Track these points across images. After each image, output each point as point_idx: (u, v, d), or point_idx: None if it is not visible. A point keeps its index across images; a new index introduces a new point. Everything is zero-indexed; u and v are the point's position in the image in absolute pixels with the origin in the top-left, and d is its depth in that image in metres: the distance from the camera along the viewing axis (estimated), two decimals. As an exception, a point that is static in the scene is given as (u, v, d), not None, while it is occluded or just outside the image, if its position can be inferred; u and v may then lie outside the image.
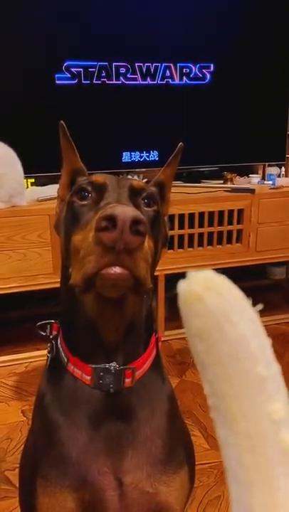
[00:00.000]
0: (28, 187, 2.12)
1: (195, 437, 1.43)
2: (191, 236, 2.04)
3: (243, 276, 2.33)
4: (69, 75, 2.02)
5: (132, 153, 2.19)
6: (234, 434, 0.24)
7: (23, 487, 0.72)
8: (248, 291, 0.26)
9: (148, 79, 2.14)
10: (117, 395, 0.64)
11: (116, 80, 2.09)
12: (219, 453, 0.26)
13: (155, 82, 2.15)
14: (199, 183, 2.38)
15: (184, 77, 2.19)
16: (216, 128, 2.31)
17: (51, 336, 0.72)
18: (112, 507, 0.63)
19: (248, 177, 2.50)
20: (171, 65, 2.15)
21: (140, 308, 0.65)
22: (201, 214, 2.03)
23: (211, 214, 2.05)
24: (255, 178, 2.47)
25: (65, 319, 0.70)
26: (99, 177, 0.65)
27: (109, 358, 0.64)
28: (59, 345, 0.69)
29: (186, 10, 2.14)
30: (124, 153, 2.18)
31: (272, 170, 2.50)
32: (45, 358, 0.73)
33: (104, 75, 2.06)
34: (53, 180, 1.99)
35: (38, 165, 2.00)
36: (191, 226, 2.03)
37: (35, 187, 2.17)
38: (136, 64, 2.10)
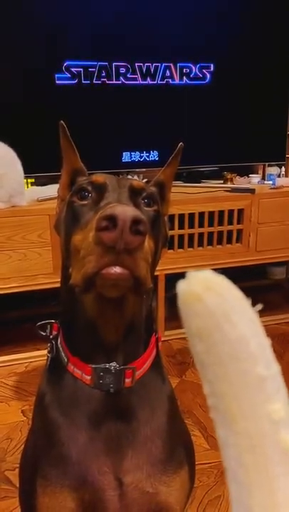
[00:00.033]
0: (28, 187, 2.12)
1: (195, 437, 1.43)
2: (191, 236, 2.04)
3: (243, 276, 2.33)
4: (69, 75, 2.02)
5: (132, 153, 2.19)
6: (234, 434, 0.24)
7: (23, 487, 0.72)
8: (248, 291, 0.26)
9: (148, 79, 2.14)
10: (117, 395, 0.64)
11: (116, 80, 2.09)
12: (219, 453, 0.26)
13: (155, 82, 2.15)
14: (199, 183, 2.38)
15: (184, 77, 2.19)
16: (216, 128, 2.31)
17: (51, 336, 0.72)
18: (112, 507, 0.63)
19: (248, 177, 2.50)
20: (171, 65, 2.15)
21: (140, 308, 0.65)
22: (201, 214, 2.03)
23: (211, 214, 2.05)
24: (255, 178, 2.47)
25: (65, 319, 0.70)
26: (99, 177, 0.65)
27: (109, 358, 0.64)
28: (59, 345, 0.69)
29: (186, 10, 2.14)
30: (124, 153, 2.18)
31: (273, 170, 2.50)
32: (45, 357, 0.73)
33: (104, 75, 2.06)
34: (53, 180, 1.99)
35: (38, 165, 2.00)
36: (191, 226, 2.03)
37: (35, 187, 2.17)
38: (136, 64, 2.10)
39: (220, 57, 2.22)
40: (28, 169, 1.88)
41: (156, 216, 0.67)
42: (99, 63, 2.04)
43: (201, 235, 2.06)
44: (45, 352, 0.73)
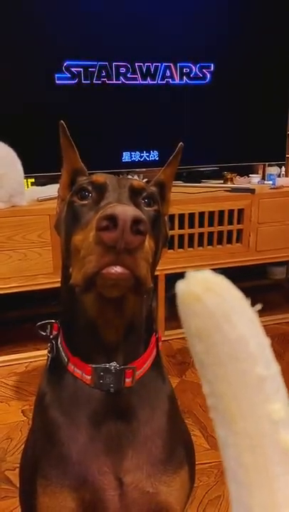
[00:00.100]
0: (28, 187, 2.12)
1: (195, 437, 1.43)
2: (191, 236, 2.04)
3: (243, 276, 2.33)
4: (69, 75, 2.02)
5: (132, 153, 2.19)
6: (233, 434, 0.24)
7: (23, 487, 0.72)
8: (248, 291, 0.26)
9: (148, 79, 2.14)
10: (118, 395, 0.64)
11: (116, 80, 2.09)
12: (219, 453, 0.26)
13: (155, 82, 2.15)
14: (199, 182, 2.38)
15: (184, 77, 2.19)
16: (216, 128, 2.31)
17: (51, 336, 0.72)
18: (113, 507, 0.63)
19: (248, 177, 2.50)
20: (172, 64, 2.15)
21: (140, 308, 0.65)
22: (201, 214, 2.03)
23: (211, 214, 2.05)
24: (255, 178, 2.47)
25: (66, 319, 0.70)
26: (99, 177, 0.65)
27: (109, 358, 0.64)
28: (59, 345, 0.69)
29: (186, 10, 2.14)
30: (124, 153, 2.18)
31: (273, 170, 2.50)
32: (46, 357, 0.73)
33: (104, 74, 2.06)
34: (53, 180, 1.99)
35: (38, 165, 2.00)
36: (191, 226, 2.03)
37: (35, 187, 2.17)
38: (136, 64, 2.10)
39: (220, 57, 2.22)
40: (28, 169, 1.88)
41: (157, 216, 0.67)
42: (99, 63, 2.04)
43: (201, 234, 2.06)
44: (45, 352, 0.73)
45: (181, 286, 0.25)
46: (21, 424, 1.56)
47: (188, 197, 2.04)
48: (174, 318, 2.03)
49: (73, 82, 2.03)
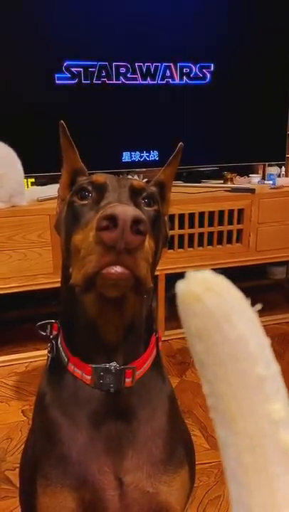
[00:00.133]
0: (28, 187, 2.12)
1: (195, 437, 1.43)
2: (191, 236, 2.04)
3: (243, 276, 2.33)
4: (69, 75, 2.02)
5: (132, 153, 2.19)
6: (233, 434, 0.24)
7: (23, 487, 0.72)
8: (248, 291, 0.26)
9: (148, 79, 2.14)
10: (118, 395, 0.64)
11: (116, 80, 2.09)
12: (219, 453, 0.26)
13: (155, 82, 2.15)
14: (199, 182, 2.38)
15: (184, 77, 2.19)
16: (216, 128, 2.31)
17: (51, 336, 0.72)
18: (113, 507, 0.63)
19: (248, 177, 2.50)
20: (172, 64, 2.15)
21: (140, 308, 0.65)
22: (201, 214, 2.03)
23: (211, 214, 2.05)
24: (255, 178, 2.47)
25: (66, 319, 0.70)
26: (99, 177, 0.65)
27: (109, 358, 0.64)
28: (59, 345, 0.69)
29: (186, 10, 2.14)
30: (124, 153, 2.18)
31: (273, 170, 2.50)
32: (46, 357, 0.73)
33: (104, 74, 2.06)
34: (53, 180, 1.99)
35: (38, 165, 2.00)
36: (191, 226, 2.03)
37: (35, 187, 2.17)
38: (136, 64, 2.10)
39: (220, 57, 2.22)
40: (28, 169, 1.88)
41: (157, 216, 0.67)
42: (99, 63, 2.04)
43: (201, 234, 2.06)
44: (45, 352, 0.73)
45: (181, 286, 0.25)
46: (21, 424, 1.56)
47: (188, 197, 2.04)
48: (174, 318, 2.03)
49: (73, 82, 2.03)
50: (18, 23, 1.92)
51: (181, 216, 2.00)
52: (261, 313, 0.26)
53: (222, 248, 2.11)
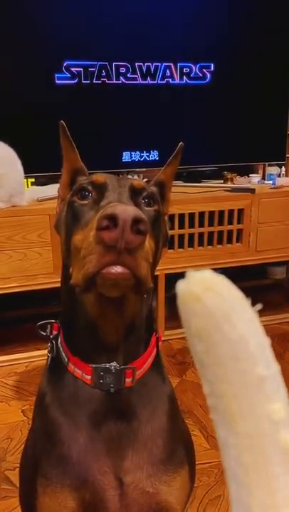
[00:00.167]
0: (28, 187, 2.12)
1: (195, 437, 1.43)
2: (191, 236, 2.04)
3: (243, 276, 2.33)
4: (69, 75, 2.02)
5: (132, 152, 2.19)
6: (233, 434, 0.24)
7: (23, 487, 0.72)
8: (248, 291, 0.26)
9: (148, 79, 2.14)
10: (118, 395, 0.64)
11: (116, 80, 2.09)
12: (219, 452, 0.26)
13: (155, 81, 2.15)
14: (199, 182, 2.38)
15: (184, 77, 2.19)
16: (216, 128, 2.31)
17: (51, 336, 0.72)
18: (113, 507, 0.63)
19: (248, 177, 2.50)
20: (172, 64, 2.15)
21: (141, 308, 0.65)
22: (201, 214, 2.03)
23: (211, 214, 2.05)
24: (255, 178, 2.47)
25: (66, 319, 0.70)
26: (99, 176, 0.65)
27: (109, 358, 0.64)
28: (59, 345, 0.69)
29: (186, 10, 2.14)
30: (124, 153, 2.18)
31: (273, 169, 2.50)
32: (46, 357, 0.73)
33: (104, 74, 2.06)
34: (53, 180, 1.99)
35: (38, 165, 2.00)
36: (192, 226, 2.03)
37: (35, 187, 2.17)
38: (136, 64, 2.10)
39: (220, 57, 2.22)
40: (28, 169, 1.88)
41: (157, 216, 0.67)
42: (99, 63, 2.04)
43: (201, 234, 2.06)
44: (45, 352, 0.73)
45: (181, 286, 0.25)
46: (21, 424, 1.56)
47: (188, 197, 2.04)
48: (174, 318, 2.03)
49: (73, 82, 2.03)
50: (18, 23, 1.92)
51: (181, 216, 2.00)
52: (261, 313, 0.26)
53: (222, 248, 2.11)
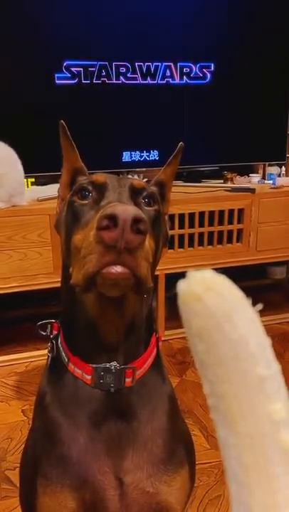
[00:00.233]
0: (28, 186, 2.12)
1: (195, 437, 1.43)
2: (191, 236, 2.04)
3: (243, 276, 2.33)
4: (69, 75, 2.02)
5: (132, 152, 2.19)
6: (234, 434, 0.24)
7: (23, 486, 0.72)
8: (248, 291, 0.26)
9: (148, 78, 2.14)
10: (118, 395, 0.64)
11: (116, 80, 2.09)
12: (219, 452, 0.26)
13: (155, 81, 2.15)
14: (199, 182, 2.38)
15: (185, 77, 2.19)
16: (216, 128, 2.31)
17: (51, 336, 0.72)
18: (113, 507, 0.63)
19: (249, 176, 2.50)
20: (172, 64, 2.15)
21: (141, 308, 0.65)
22: (202, 214, 2.03)
23: (212, 213, 2.05)
24: (255, 178, 2.47)
25: (66, 319, 0.70)
26: (99, 176, 0.65)
27: (109, 358, 0.64)
28: (59, 345, 0.69)
29: (186, 10, 2.14)
30: (124, 152, 2.18)
31: (273, 169, 2.50)
32: (46, 357, 0.73)
33: (104, 74, 2.06)
34: (53, 180, 1.99)
35: (38, 164, 2.00)
36: (192, 226, 2.03)
37: (35, 186, 2.17)
38: (136, 63, 2.10)
39: (220, 57, 2.22)
40: (29, 169, 1.88)
41: (157, 215, 0.67)
42: (99, 63, 2.04)
43: (201, 234, 2.06)
44: (45, 352, 0.73)
45: (181, 286, 0.25)
46: (21, 424, 1.56)
47: (188, 197, 2.04)
48: (174, 317, 2.03)
49: (73, 82, 2.03)
50: (18, 23, 1.92)
51: (182, 216, 1.99)
52: (261, 313, 0.26)
53: (222, 248, 2.11)
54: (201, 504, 1.24)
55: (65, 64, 2.00)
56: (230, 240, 2.11)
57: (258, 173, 2.56)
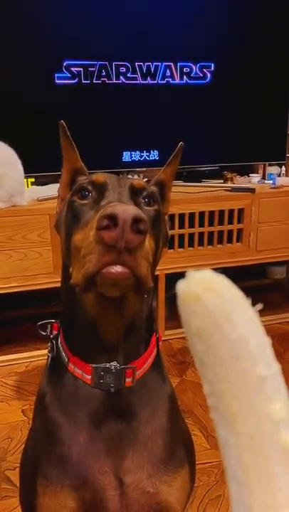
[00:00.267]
0: (28, 186, 2.12)
1: (195, 437, 1.43)
2: (191, 235, 2.04)
3: (243, 276, 2.33)
4: (69, 75, 2.02)
5: (132, 152, 2.19)
6: (234, 434, 0.24)
7: (23, 486, 0.72)
8: (248, 291, 0.26)
9: (148, 78, 2.14)
10: (118, 395, 0.64)
11: (116, 80, 2.09)
12: (219, 452, 0.26)
13: (155, 81, 2.15)
14: (200, 182, 2.38)
15: (185, 77, 2.19)
16: (216, 128, 2.31)
17: (51, 336, 0.72)
18: (113, 507, 0.63)
19: (249, 176, 2.50)
20: (172, 64, 2.15)
21: (141, 308, 0.65)
22: (202, 213, 2.03)
23: (212, 213, 2.05)
24: (255, 178, 2.47)
25: (66, 319, 0.70)
26: (99, 176, 0.65)
27: (109, 358, 0.64)
28: (59, 345, 0.69)
29: (186, 9, 2.14)
30: (124, 152, 2.18)
31: (273, 169, 2.50)
32: (46, 357, 0.73)
33: (104, 74, 2.06)
34: (54, 180, 1.99)
35: (38, 164, 2.00)
36: (192, 226, 2.03)
37: (35, 186, 2.17)
38: (136, 63, 2.10)
39: (220, 57, 2.22)
40: (29, 169, 1.88)
41: (157, 215, 0.67)
42: (99, 63, 2.04)
43: (201, 234, 2.06)
44: (45, 351, 0.73)
45: (181, 286, 0.25)
46: (21, 424, 1.56)
47: (188, 196, 2.04)
48: (174, 317, 2.03)
49: (73, 81, 2.03)
50: (18, 23, 1.92)
51: (182, 216, 1.99)
52: (261, 312, 0.26)
53: (222, 248, 2.11)
54: (201, 504, 1.24)
55: (65, 64, 2.00)
56: (230, 240, 2.11)
57: (258, 173, 2.56)
